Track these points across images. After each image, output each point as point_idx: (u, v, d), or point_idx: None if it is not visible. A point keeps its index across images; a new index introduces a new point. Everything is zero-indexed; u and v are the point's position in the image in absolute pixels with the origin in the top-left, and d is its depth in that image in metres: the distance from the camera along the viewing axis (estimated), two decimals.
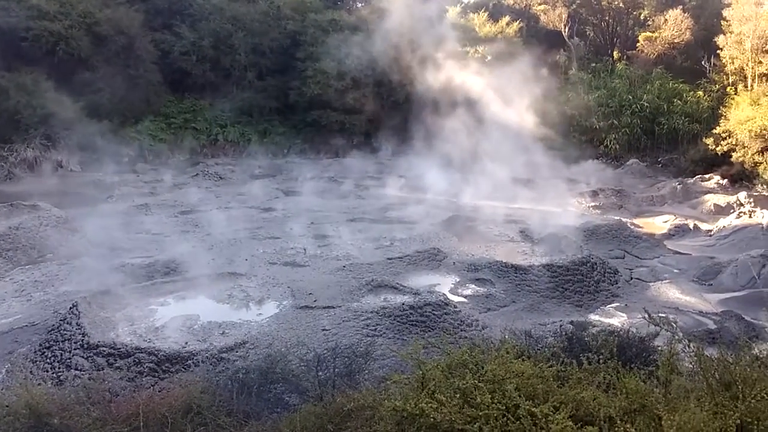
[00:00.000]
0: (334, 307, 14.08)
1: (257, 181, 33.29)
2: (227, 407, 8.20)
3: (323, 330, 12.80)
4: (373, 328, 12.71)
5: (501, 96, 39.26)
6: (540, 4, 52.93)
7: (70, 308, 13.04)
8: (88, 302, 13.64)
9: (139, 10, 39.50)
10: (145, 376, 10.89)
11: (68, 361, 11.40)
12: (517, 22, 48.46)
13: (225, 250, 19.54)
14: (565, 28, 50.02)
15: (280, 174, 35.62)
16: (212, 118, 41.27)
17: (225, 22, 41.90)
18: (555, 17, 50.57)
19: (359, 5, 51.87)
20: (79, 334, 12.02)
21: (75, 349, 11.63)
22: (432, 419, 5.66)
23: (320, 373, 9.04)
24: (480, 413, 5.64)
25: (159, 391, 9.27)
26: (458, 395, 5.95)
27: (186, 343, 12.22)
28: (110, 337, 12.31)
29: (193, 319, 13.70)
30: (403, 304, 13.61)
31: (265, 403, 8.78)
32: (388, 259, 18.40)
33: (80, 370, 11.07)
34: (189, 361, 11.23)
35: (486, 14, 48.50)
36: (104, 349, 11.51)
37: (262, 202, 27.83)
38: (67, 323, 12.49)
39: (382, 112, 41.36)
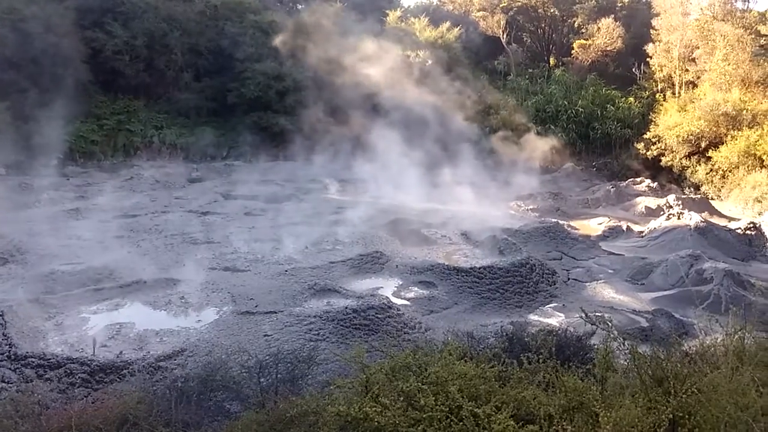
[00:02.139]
0: (276, 312, 13.95)
1: (195, 185, 32.65)
2: (165, 417, 7.98)
3: (265, 336, 12.66)
4: (316, 332, 12.63)
5: (442, 101, 39.74)
6: (479, 11, 53.76)
7: None
8: (14, 311, 13.13)
9: (69, 7, 38.08)
10: (78, 387, 10.53)
11: None
12: (457, 27, 49.04)
13: (162, 255, 19.08)
14: (503, 34, 50.95)
15: (218, 177, 35.00)
16: (147, 120, 40.15)
17: (159, 21, 40.82)
18: (494, 23, 51.45)
19: (300, 7, 51.53)
20: (6, 344, 11.54)
21: (1, 361, 11.13)
22: (376, 423, 5.65)
23: (262, 380, 8.91)
24: (424, 415, 5.67)
25: (92, 403, 8.98)
26: (402, 398, 5.97)
27: (121, 351, 11.87)
28: (39, 347, 11.86)
29: (128, 327, 13.34)
30: (346, 307, 13.57)
31: (206, 411, 8.60)
32: (331, 262, 18.34)
33: (7, 383, 10.60)
34: (124, 371, 10.91)
35: (426, 19, 48.89)
36: (33, 359, 11.07)
37: (201, 206, 27.25)
38: None
39: (324, 114, 41.15)
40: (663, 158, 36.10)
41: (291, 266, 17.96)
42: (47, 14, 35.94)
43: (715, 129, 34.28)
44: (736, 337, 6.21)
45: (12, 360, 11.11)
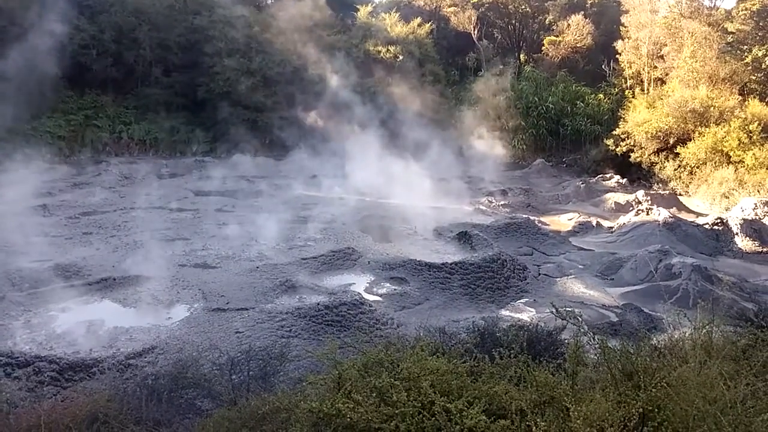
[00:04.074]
0: (247, 309, 13.86)
1: (164, 181, 32.26)
2: (136, 415, 7.88)
3: (236, 332, 12.56)
4: (288, 329, 12.58)
5: (413, 97, 39.80)
6: (450, 7, 53.89)
7: None
8: None
9: None
10: (47, 385, 10.36)
11: None
12: (429, 23, 49.12)
13: (131, 252, 18.80)
14: (474, 30, 51.16)
15: (188, 173, 34.61)
16: (115, 115, 39.62)
17: (127, 15, 40.28)
18: (464, 19, 51.65)
19: (269, 1, 51.16)
20: None
21: None
22: (348, 419, 5.63)
23: (234, 377, 8.85)
24: (396, 411, 5.66)
25: (62, 401, 8.84)
26: (374, 394, 5.95)
27: (90, 349, 11.70)
28: (7, 345, 11.65)
29: (97, 324, 13.14)
30: (318, 304, 13.54)
31: (177, 409, 8.50)
32: (303, 259, 18.27)
33: None
34: (94, 369, 10.76)
35: (397, 15, 48.87)
36: (1, 358, 10.86)
37: (170, 203, 26.95)
38: None
39: (294, 110, 41.00)
40: (632, 154, 36.56)
41: (262, 263, 17.85)
42: (11, 7, 35.22)
43: (683, 125, 34.80)
44: (704, 331, 6.29)
45: None
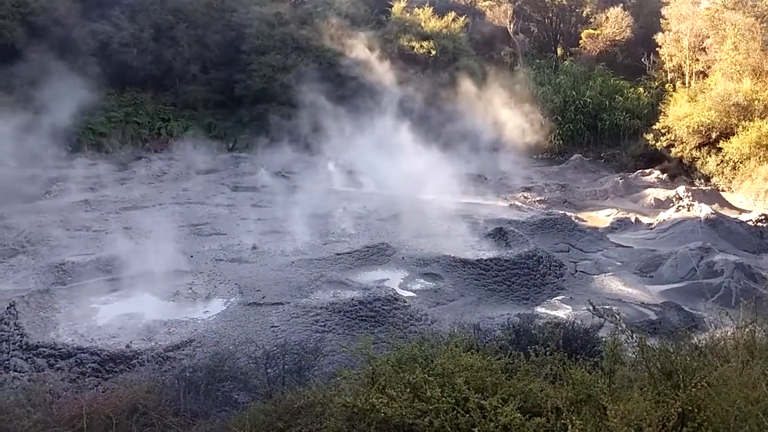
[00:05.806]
0: (282, 304, 13.99)
1: (202, 176, 32.69)
2: (174, 407, 8.04)
3: (272, 327, 12.70)
4: (323, 323, 12.66)
5: (447, 92, 39.60)
6: (485, 0, 53.42)
7: (8, 308, 12.60)
8: (26, 302, 13.23)
9: (76, 0, 38.23)
10: (88, 376, 10.63)
11: (6, 362, 11.02)
12: (463, 17, 48.73)
13: (170, 246, 19.11)
14: (510, 24, 50.62)
15: (225, 169, 35.04)
16: (154, 112, 40.29)
17: (166, 13, 40.89)
18: (500, 13, 51.12)
19: None
20: (18, 334, 11.65)
21: (13, 350, 11.24)
22: (382, 414, 5.65)
23: (269, 371, 8.95)
24: (430, 407, 5.66)
25: (103, 392, 9.07)
26: (408, 390, 5.96)
27: (130, 342, 11.95)
28: (50, 337, 11.97)
29: (137, 317, 13.42)
30: (353, 299, 13.60)
31: (213, 401, 8.64)
32: (337, 254, 18.36)
33: (19, 372, 10.73)
34: (133, 361, 11.00)
35: (431, 9, 48.58)
36: (44, 349, 11.17)
37: (207, 198, 27.33)
38: (5, 324, 12.06)
39: (329, 106, 41.12)
40: (673, 149, 35.72)
41: (297, 257, 18.00)
42: (55, 7, 36.11)
43: (726, 119, 33.87)
44: (747, 330, 6.16)
45: (24, 350, 11.22)
